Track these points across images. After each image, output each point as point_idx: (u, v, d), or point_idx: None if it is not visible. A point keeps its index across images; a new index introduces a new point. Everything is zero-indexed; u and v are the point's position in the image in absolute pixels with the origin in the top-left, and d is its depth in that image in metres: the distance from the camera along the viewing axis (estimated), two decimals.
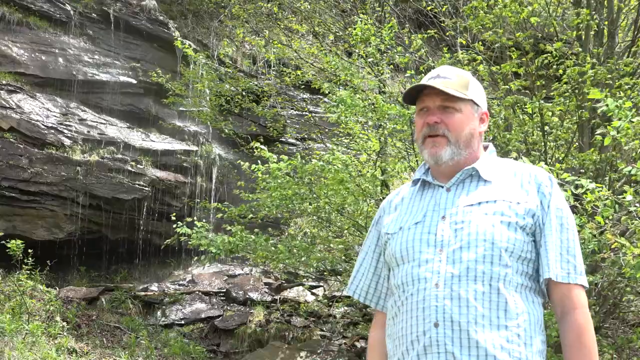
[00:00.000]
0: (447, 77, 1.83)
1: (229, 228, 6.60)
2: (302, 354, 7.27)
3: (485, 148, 1.92)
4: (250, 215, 6.86)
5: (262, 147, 5.95)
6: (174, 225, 6.55)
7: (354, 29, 5.96)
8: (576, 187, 3.33)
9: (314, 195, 6.20)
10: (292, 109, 10.37)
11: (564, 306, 1.74)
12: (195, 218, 7.05)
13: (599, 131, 3.37)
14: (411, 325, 1.73)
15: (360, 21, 5.93)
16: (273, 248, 6.37)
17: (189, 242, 6.53)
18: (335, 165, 5.94)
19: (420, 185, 1.91)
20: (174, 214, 7.05)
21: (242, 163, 6.50)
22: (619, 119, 3.07)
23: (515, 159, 4.84)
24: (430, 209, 1.82)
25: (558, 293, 1.75)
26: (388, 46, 5.87)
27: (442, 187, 1.84)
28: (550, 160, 5.10)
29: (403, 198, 1.95)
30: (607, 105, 3.06)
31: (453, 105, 1.82)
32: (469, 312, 1.66)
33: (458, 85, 1.82)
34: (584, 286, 1.77)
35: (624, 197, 3.23)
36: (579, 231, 3.42)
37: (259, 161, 5.99)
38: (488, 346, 1.64)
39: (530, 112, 5.19)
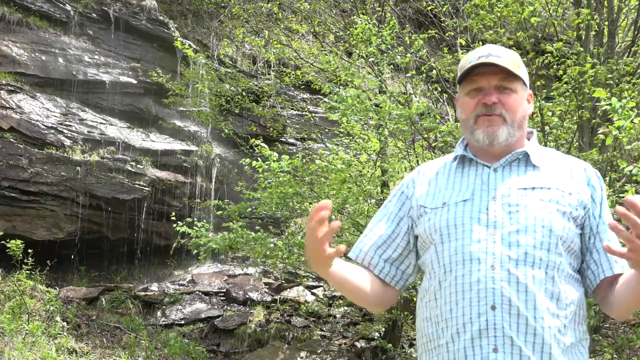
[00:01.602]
0: (500, 56, 1.76)
1: (229, 225, 6.61)
2: (302, 354, 7.27)
3: (529, 134, 1.87)
4: (250, 210, 6.85)
5: (263, 144, 5.95)
6: (174, 225, 6.55)
7: (355, 29, 5.96)
8: None
9: (315, 195, 6.20)
10: (292, 109, 10.37)
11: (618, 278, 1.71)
12: (195, 219, 7.05)
13: (600, 130, 3.37)
14: (463, 307, 1.65)
15: (361, 21, 5.93)
16: (272, 245, 6.36)
17: (188, 245, 6.53)
18: (337, 165, 5.94)
19: (460, 162, 1.84)
20: (174, 213, 7.05)
21: (243, 162, 6.50)
22: (622, 119, 3.07)
23: None
24: (478, 187, 1.75)
25: (615, 281, 1.71)
26: (389, 46, 5.87)
27: (489, 167, 1.77)
28: None
29: (438, 173, 1.86)
30: (610, 104, 3.06)
31: (510, 86, 1.76)
32: (528, 297, 1.61)
33: (512, 64, 1.76)
34: None
35: (624, 196, 3.23)
36: None
37: (259, 158, 5.99)
38: (545, 334, 1.61)
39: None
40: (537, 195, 1.70)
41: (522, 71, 1.79)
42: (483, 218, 1.69)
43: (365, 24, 5.80)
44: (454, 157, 1.86)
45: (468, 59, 1.79)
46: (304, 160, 6.18)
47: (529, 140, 1.85)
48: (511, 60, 1.77)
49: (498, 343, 1.61)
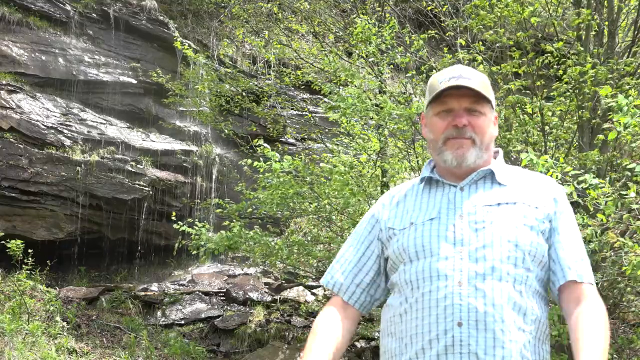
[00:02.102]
0: (470, 77, 1.76)
1: (228, 224, 6.61)
2: (302, 354, 7.27)
3: (496, 153, 1.89)
4: (250, 210, 6.86)
5: (265, 145, 5.95)
6: (175, 225, 6.56)
7: (355, 28, 5.96)
8: (579, 183, 3.33)
9: (315, 195, 6.21)
10: (292, 109, 10.37)
11: (579, 299, 1.69)
12: (196, 219, 7.06)
13: (605, 125, 3.37)
14: (429, 323, 1.65)
15: (361, 21, 5.93)
16: (272, 244, 6.37)
17: (189, 246, 6.53)
18: (340, 167, 5.95)
19: (427, 184, 1.86)
20: (174, 213, 7.05)
21: (243, 163, 6.51)
22: (628, 116, 3.06)
23: (516, 157, 4.85)
24: (444, 206, 1.77)
25: (574, 292, 1.70)
26: (389, 46, 5.87)
27: (455, 186, 1.79)
28: (550, 161, 5.09)
29: (406, 195, 1.89)
30: (616, 101, 3.05)
31: (479, 108, 1.77)
32: (495, 311, 1.61)
33: (482, 88, 1.77)
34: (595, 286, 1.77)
35: (627, 194, 3.23)
36: (580, 230, 3.41)
37: (261, 158, 6.00)
38: (513, 348, 1.60)
39: (531, 112, 5.19)
40: (502, 211, 1.71)
41: (490, 94, 1.80)
42: (450, 236, 1.70)
43: (365, 24, 5.80)
44: (420, 179, 1.88)
45: (438, 80, 1.79)
46: (305, 160, 6.18)
47: (495, 159, 1.86)
48: (480, 82, 1.77)
49: None
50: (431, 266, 1.70)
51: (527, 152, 3.48)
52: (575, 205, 4.08)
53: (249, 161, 6.24)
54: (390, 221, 1.86)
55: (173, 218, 6.77)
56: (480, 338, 1.60)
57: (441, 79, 1.79)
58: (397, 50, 6.01)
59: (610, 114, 3.37)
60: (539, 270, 1.71)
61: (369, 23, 5.85)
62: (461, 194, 1.78)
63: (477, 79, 1.77)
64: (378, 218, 1.90)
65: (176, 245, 7.04)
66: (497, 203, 1.73)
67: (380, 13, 8.45)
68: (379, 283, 1.89)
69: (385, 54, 6.03)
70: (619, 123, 3.10)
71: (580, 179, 3.28)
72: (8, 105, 8.77)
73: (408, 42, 6.22)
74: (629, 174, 3.36)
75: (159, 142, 10.00)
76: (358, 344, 7.70)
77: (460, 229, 1.71)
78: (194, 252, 6.48)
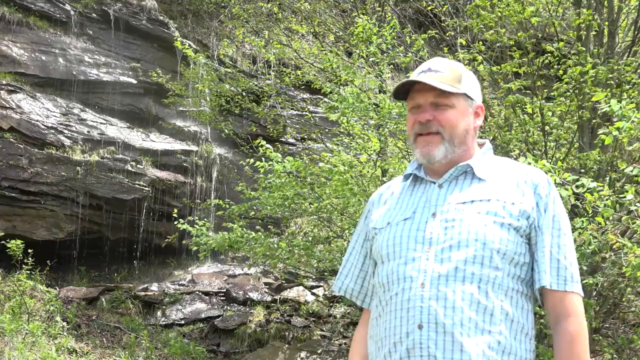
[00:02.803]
0: (439, 70, 1.73)
1: (229, 225, 6.61)
2: (302, 354, 7.27)
3: (481, 145, 1.84)
4: (252, 213, 6.87)
5: (268, 146, 5.96)
6: (175, 223, 6.56)
7: (356, 28, 5.95)
8: (577, 186, 3.32)
9: (316, 195, 6.21)
10: (292, 109, 10.37)
11: (558, 314, 1.66)
12: (196, 218, 7.05)
13: (601, 131, 3.37)
14: (394, 326, 1.65)
15: (361, 20, 5.93)
16: (274, 245, 6.37)
17: (190, 244, 6.53)
18: (339, 167, 5.95)
19: (412, 181, 1.83)
20: (176, 211, 7.06)
21: (244, 163, 6.51)
22: (622, 120, 3.07)
23: (516, 158, 4.84)
24: (421, 205, 1.74)
25: (552, 301, 1.67)
26: (389, 45, 5.87)
27: (434, 183, 1.76)
28: (550, 161, 5.10)
29: (393, 192, 1.87)
30: (609, 106, 3.06)
31: (446, 102, 1.73)
32: (455, 314, 1.59)
33: (451, 79, 1.72)
34: (580, 294, 1.69)
35: (624, 197, 3.23)
36: (580, 233, 3.41)
37: (262, 158, 6.00)
38: (472, 351, 1.57)
39: (531, 112, 5.19)
40: (474, 209, 1.67)
41: (464, 85, 1.75)
42: (420, 235, 1.69)
43: (366, 23, 5.80)
44: (404, 176, 1.86)
45: (414, 73, 1.79)
46: (306, 161, 6.19)
47: (480, 150, 1.82)
48: (451, 74, 1.73)
49: None
50: (399, 268, 1.69)
51: (525, 155, 3.48)
52: (573, 208, 4.09)
53: (251, 161, 6.24)
54: (374, 221, 1.85)
55: (174, 215, 6.76)
56: (439, 341, 1.58)
57: (416, 72, 1.78)
58: (397, 51, 6.00)
59: (610, 113, 3.36)
60: (513, 267, 1.66)
61: (370, 22, 5.85)
62: (439, 191, 1.75)
63: (447, 71, 1.74)
64: (368, 219, 1.90)
65: (170, 238, 7.03)
66: (471, 200, 1.69)
67: (380, 13, 8.45)
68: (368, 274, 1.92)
69: (385, 54, 6.02)
70: (614, 127, 3.10)
71: (578, 183, 3.28)
72: (8, 105, 8.77)
73: (409, 42, 6.21)
74: (630, 173, 3.35)
75: (159, 142, 10.00)
76: None
77: (431, 228, 1.69)
78: (195, 248, 6.48)
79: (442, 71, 1.73)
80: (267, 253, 6.49)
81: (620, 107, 3.04)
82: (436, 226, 1.68)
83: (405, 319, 1.63)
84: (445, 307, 1.59)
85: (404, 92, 1.80)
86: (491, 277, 1.62)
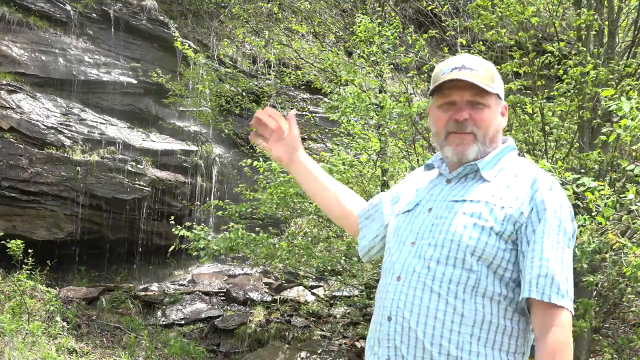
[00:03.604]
0: (474, 68, 1.68)
1: (229, 226, 6.60)
2: (302, 354, 7.27)
3: (504, 142, 1.80)
4: (250, 210, 6.87)
5: None
6: (173, 230, 6.55)
7: (358, 27, 5.95)
8: (577, 185, 3.32)
9: None
10: (292, 109, 10.36)
11: (543, 325, 1.55)
12: (194, 222, 7.03)
13: (603, 130, 3.37)
14: (376, 314, 1.71)
15: (361, 20, 5.93)
16: (276, 245, 6.37)
17: (189, 248, 6.54)
18: (339, 166, 5.95)
19: (427, 170, 1.86)
20: (173, 217, 7.04)
21: (243, 163, 6.51)
22: (629, 118, 3.06)
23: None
24: (425, 199, 1.75)
25: (539, 312, 1.57)
26: (391, 45, 5.87)
27: (444, 176, 1.77)
28: (550, 161, 5.10)
29: (414, 180, 1.90)
30: (617, 104, 3.05)
31: (482, 101, 1.69)
32: (421, 312, 1.59)
33: (486, 78, 1.68)
34: (570, 311, 1.58)
35: (625, 196, 3.23)
36: (580, 232, 3.41)
37: (260, 158, 6.00)
38: (434, 350, 1.56)
39: (531, 112, 5.19)
40: (461, 209, 1.65)
41: (496, 84, 1.72)
42: (414, 229, 1.70)
43: (369, 23, 5.81)
44: (425, 166, 1.87)
45: (441, 70, 1.73)
46: None
47: (500, 148, 1.77)
48: (485, 73, 1.70)
49: (390, 354, 1.63)
50: (390, 259, 1.73)
51: (524, 155, 3.47)
52: (574, 207, 4.08)
53: (249, 161, 6.24)
54: (396, 206, 1.89)
55: (172, 222, 6.74)
56: (404, 336, 1.60)
57: (445, 69, 1.72)
58: (399, 51, 6.01)
59: (612, 112, 3.36)
60: (489, 271, 1.60)
61: (372, 22, 5.86)
62: (444, 186, 1.75)
63: (481, 70, 1.69)
64: (398, 192, 1.94)
65: (171, 248, 7.02)
66: (463, 200, 1.67)
67: (380, 13, 8.45)
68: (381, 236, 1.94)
69: (386, 54, 6.03)
70: (619, 125, 3.10)
71: (579, 182, 3.28)
72: (8, 105, 8.77)
73: (410, 42, 6.21)
74: (631, 173, 3.35)
75: (159, 142, 10.00)
76: (358, 344, 7.70)
77: (423, 223, 1.70)
78: (196, 254, 6.48)
79: (477, 69, 1.69)
80: (269, 254, 6.49)
81: (631, 107, 3.02)
82: (427, 222, 1.69)
83: (380, 308, 1.68)
84: (412, 304, 1.60)
85: (435, 88, 1.74)
86: (463, 278, 1.59)
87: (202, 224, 7.09)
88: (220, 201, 7.29)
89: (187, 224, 6.81)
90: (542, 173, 1.71)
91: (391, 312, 1.63)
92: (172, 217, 6.93)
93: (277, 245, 6.41)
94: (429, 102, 1.88)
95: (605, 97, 3.61)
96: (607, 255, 3.69)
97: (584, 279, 3.97)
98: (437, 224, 1.66)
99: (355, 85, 6.28)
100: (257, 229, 6.76)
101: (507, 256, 1.61)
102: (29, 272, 7.40)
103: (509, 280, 1.62)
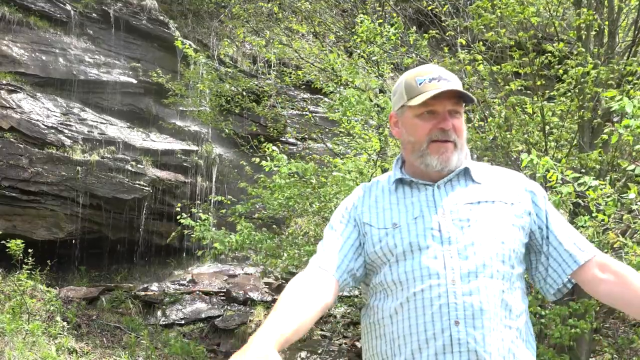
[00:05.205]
0: (449, 79, 1.76)
1: (235, 220, 6.61)
2: (302, 354, 7.27)
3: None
4: (257, 215, 6.89)
5: (274, 148, 5.98)
6: (178, 217, 6.57)
7: (359, 26, 5.96)
8: (579, 184, 3.33)
9: (319, 195, 6.22)
10: (292, 108, 10.37)
11: (603, 266, 1.74)
12: (200, 212, 7.06)
13: (605, 130, 3.37)
14: (424, 322, 1.64)
15: (362, 21, 5.93)
16: (281, 245, 6.39)
17: (192, 236, 6.53)
18: (352, 174, 5.98)
19: (398, 184, 1.83)
20: (177, 210, 7.06)
21: (244, 162, 6.52)
22: (632, 118, 3.06)
23: (517, 157, 4.84)
24: (425, 205, 1.75)
25: (591, 267, 1.75)
26: (392, 46, 5.88)
27: (431, 185, 1.78)
28: (550, 162, 5.09)
29: (377, 195, 1.85)
30: (619, 104, 3.05)
31: (460, 110, 1.78)
32: (490, 308, 1.64)
33: (461, 87, 1.77)
34: None
35: (626, 195, 3.23)
36: (581, 232, 3.41)
37: (267, 158, 6.01)
38: (500, 346, 1.64)
39: (531, 112, 5.19)
40: (484, 209, 1.72)
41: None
42: (437, 234, 1.70)
43: (371, 23, 5.81)
44: (392, 181, 1.84)
45: (417, 80, 1.77)
46: (312, 164, 6.21)
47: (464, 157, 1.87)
48: (458, 82, 1.77)
49: (463, 358, 1.61)
50: (421, 265, 1.68)
51: (528, 152, 3.48)
52: (575, 205, 4.09)
53: (257, 160, 6.26)
54: (365, 216, 1.81)
55: (178, 209, 6.76)
56: (478, 335, 1.61)
57: (420, 79, 1.76)
58: (400, 51, 6.01)
59: (613, 112, 3.36)
60: (520, 266, 1.75)
61: (374, 22, 5.86)
62: (439, 192, 1.77)
63: (455, 80, 1.78)
64: (352, 213, 1.84)
65: (172, 235, 7.03)
66: (478, 201, 1.74)
67: (380, 13, 8.45)
68: (360, 263, 1.79)
69: (387, 54, 6.03)
70: (621, 125, 3.09)
71: (580, 181, 3.28)
72: (8, 105, 8.77)
73: (412, 42, 6.22)
74: (632, 173, 3.35)
75: (159, 141, 10.00)
76: (358, 344, 7.70)
77: (445, 227, 1.70)
78: (200, 252, 6.49)
79: (451, 80, 1.76)
80: (272, 253, 6.51)
81: (634, 107, 3.03)
82: (450, 225, 1.70)
83: (437, 315, 1.63)
84: (480, 302, 1.63)
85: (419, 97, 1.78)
86: (509, 274, 1.69)
87: (208, 215, 7.11)
88: (222, 197, 7.30)
89: (193, 210, 6.82)
90: (517, 173, 1.89)
91: (458, 316, 1.62)
92: (179, 205, 6.90)
93: (282, 244, 6.43)
94: (400, 110, 1.84)
95: (609, 97, 3.61)
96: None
97: None
98: (466, 226, 1.69)
99: (356, 86, 6.28)
100: (263, 229, 6.78)
101: (524, 249, 1.77)
102: (29, 271, 7.40)
103: (523, 272, 1.79)
